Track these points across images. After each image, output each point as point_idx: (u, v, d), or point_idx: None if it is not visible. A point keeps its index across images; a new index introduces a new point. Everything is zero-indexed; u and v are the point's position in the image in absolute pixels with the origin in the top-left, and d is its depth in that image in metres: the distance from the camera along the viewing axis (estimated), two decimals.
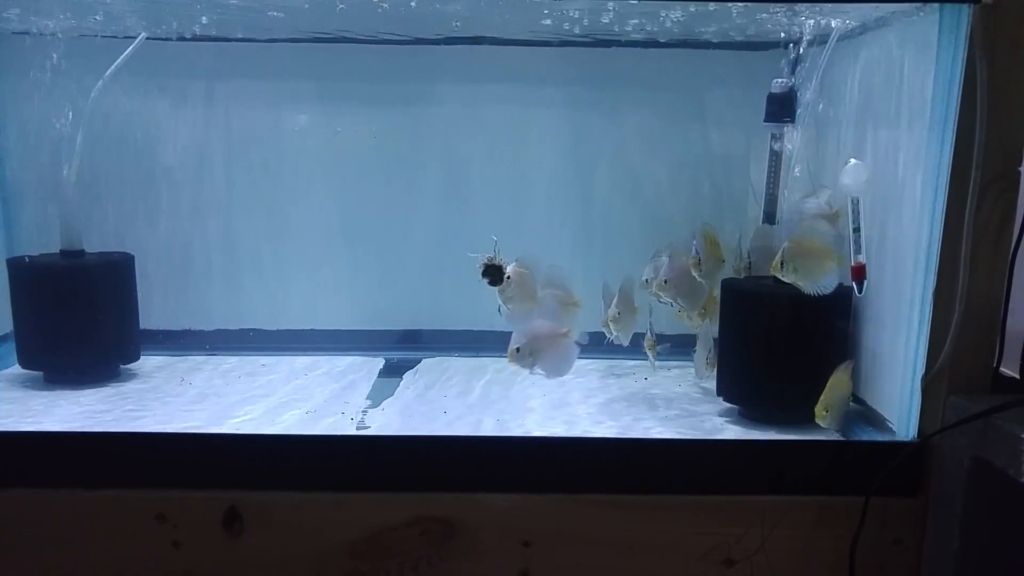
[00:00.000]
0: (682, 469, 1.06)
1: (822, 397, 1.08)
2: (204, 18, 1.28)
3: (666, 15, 1.20)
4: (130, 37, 1.33)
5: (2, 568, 1.05)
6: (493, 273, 1.09)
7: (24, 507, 1.04)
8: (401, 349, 1.53)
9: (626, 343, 1.31)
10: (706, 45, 1.43)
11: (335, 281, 1.55)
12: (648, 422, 1.20)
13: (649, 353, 1.37)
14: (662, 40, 1.40)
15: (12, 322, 1.32)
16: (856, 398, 1.19)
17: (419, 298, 1.55)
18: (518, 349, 1.05)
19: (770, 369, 1.17)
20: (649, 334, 1.36)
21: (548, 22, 1.27)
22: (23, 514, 1.04)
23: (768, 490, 1.05)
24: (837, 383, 1.09)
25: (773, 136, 1.30)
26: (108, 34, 1.36)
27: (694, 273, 1.23)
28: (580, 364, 1.45)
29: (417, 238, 1.53)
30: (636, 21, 1.27)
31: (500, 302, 1.13)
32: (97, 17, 1.27)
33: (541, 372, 1.08)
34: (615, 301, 1.28)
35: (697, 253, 1.22)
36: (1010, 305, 1.01)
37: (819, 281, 1.08)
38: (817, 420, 1.08)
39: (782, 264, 1.08)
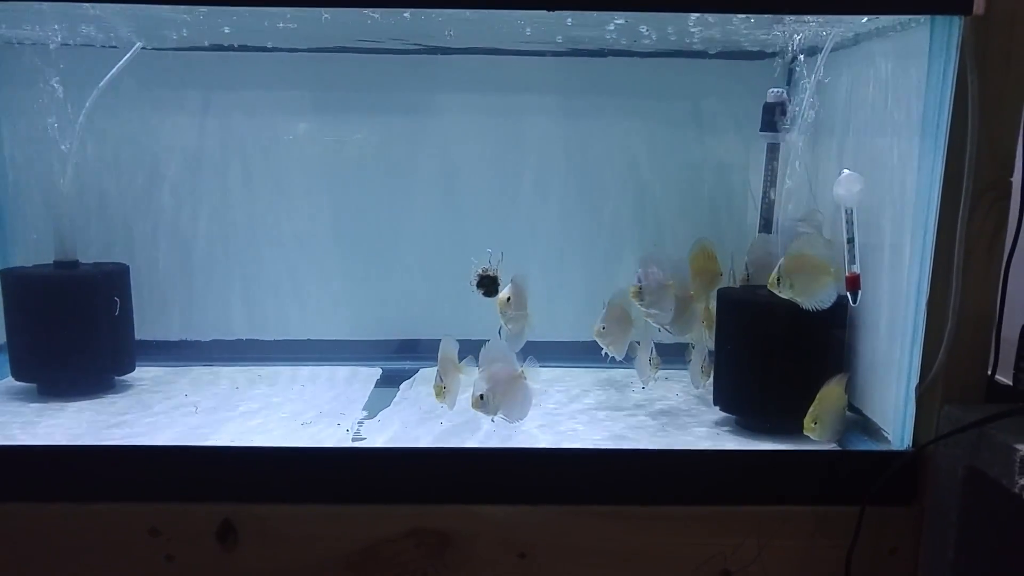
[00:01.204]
0: (678, 480, 1.06)
1: (811, 409, 1.08)
2: (226, 29, 1.28)
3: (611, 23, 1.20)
4: (125, 47, 1.33)
5: None
6: (488, 284, 1.10)
7: (17, 521, 1.04)
8: (398, 359, 1.52)
9: (620, 357, 1.27)
10: (702, 55, 1.43)
11: (332, 291, 1.55)
12: (644, 432, 1.20)
13: (646, 369, 1.29)
14: (657, 50, 1.41)
15: (5, 334, 1.31)
16: (852, 407, 1.20)
17: (416, 308, 1.54)
18: (482, 396, 1.05)
19: (766, 379, 1.17)
20: (650, 351, 1.29)
21: (529, 31, 1.27)
22: (15, 528, 1.04)
23: (764, 500, 1.05)
24: (827, 395, 1.09)
25: (769, 145, 1.31)
26: (104, 44, 1.36)
27: (636, 302, 1.18)
28: (577, 373, 1.47)
29: (414, 248, 1.53)
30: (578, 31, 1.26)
31: (502, 323, 1.15)
32: (91, 28, 1.27)
33: (504, 418, 1.09)
34: (601, 315, 1.23)
35: (639, 281, 1.18)
36: (1004, 313, 1.01)
37: (816, 296, 1.08)
38: (806, 432, 1.08)
39: (779, 280, 1.08)
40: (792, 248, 1.10)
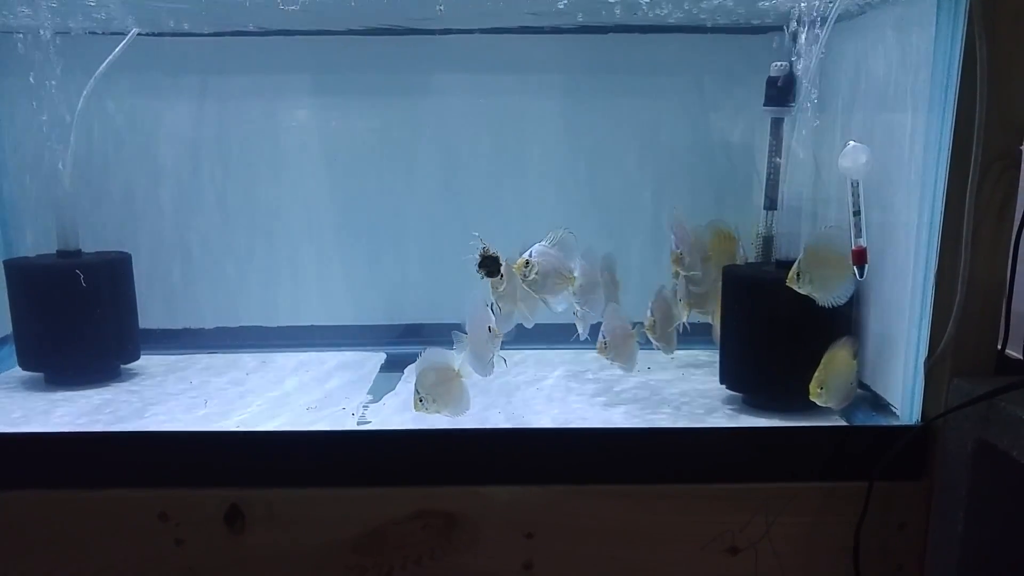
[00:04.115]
0: (685, 457, 1.06)
1: (816, 373, 1.06)
2: (185, 13, 1.27)
3: None
4: (121, 33, 1.32)
5: (6, 569, 1.05)
6: (490, 264, 1.09)
7: (27, 508, 1.04)
8: (403, 344, 1.52)
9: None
10: (704, 29, 1.41)
11: (335, 276, 1.54)
12: (650, 411, 1.19)
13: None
14: (659, 25, 1.39)
15: (11, 324, 1.32)
16: (860, 383, 1.18)
17: (420, 292, 1.54)
18: (421, 400, 1.07)
19: (773, 356, 1.16)
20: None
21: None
22: (26, 515, 1.05)
23: (772, 477, 1.05)
24: (833, 359, 1.07)
25: (773, 119, 1.28)
26: (101, 31, 1.35)
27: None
28: (580, 355, 1.46)
29: (417, 232, 1.52)
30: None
31: (493, 299, 1.14)
32: (94, 10, 1.25)
33: (446, 415, 1.10)
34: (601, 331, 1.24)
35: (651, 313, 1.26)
36: (1014, 286, 1.00)
37: (835, 292, 1.06)
38: (812, 398, 1.06)
39: (798, 276, 1.06)
40: (811, 243, 1.07)
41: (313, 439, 1.08)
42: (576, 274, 1.16)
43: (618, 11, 1.27)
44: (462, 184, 1.51)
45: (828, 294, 1.06)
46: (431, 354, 1.08)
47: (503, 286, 1.13)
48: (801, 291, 1.07)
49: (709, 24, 1.38)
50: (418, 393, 1.06)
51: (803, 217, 1.20)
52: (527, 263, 1.09)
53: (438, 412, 1.08)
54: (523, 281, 1.10)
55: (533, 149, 1.50)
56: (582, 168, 1.51)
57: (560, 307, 1.18)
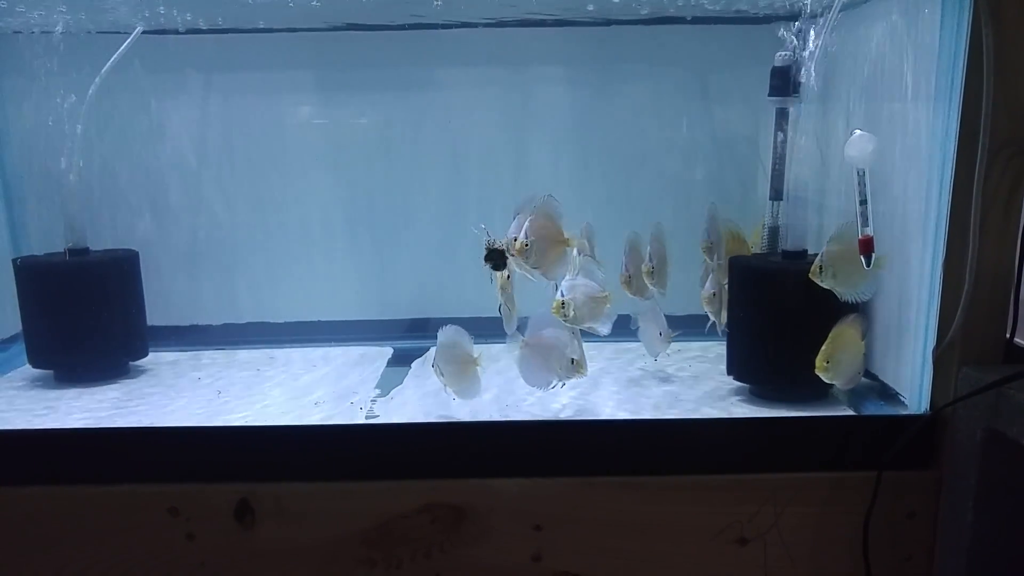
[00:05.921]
0: (693, 449, 1.06)
1: (823, 347, 1.05)
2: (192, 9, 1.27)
3: None
4: (127, 32, 1.32)
5: (18, 565, 1.06)
6: (496, 257, 1.09)
7: (38, 504, 1.05)
8: (409, 338, 1.52)
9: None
10: (708, 20, 1.41)
11: (341, 272, 1.55)
12: (658, 402, 1.19)
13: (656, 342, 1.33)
14: (662, 16, 1.38)
15: (21, 322, 1.33)
16: (868, 373, 1.18)
17: (426, 286, 1.54)
18: (434, 365, 1.12)
19: (781, 346, 1.15)
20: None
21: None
22: (37, 511, 1.05)
23: (780, 467, 1.05)
24: (840, 334, 1.06)
25: (778, 110, 1.28)
26: (106, 29, 1.35)
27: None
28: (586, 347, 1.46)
29: (422, 226, 1.52)
30: None
31: (501, 300, 1.15)
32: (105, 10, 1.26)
33: (452, 395, 1.13)
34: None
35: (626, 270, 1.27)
36: (1022, 274, 0.99)
37: (859, 287, 1.05)
38: (818, 372, 1.05)
39: (820, 269, 1.05)
40: (835, 236, 1.06)
41: (322, 433, 1.09)
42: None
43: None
44: (468, 178, 1.51)
45: (851, 289, 1.05)
46: (457, 333, 1.11)
47: (511, 287, 1.13)
48: (823, 284, 1.06)
49: (714, 15, 1.38)
50: (436, 365, 1.11)
51: (809, 207, 1.20)
52: (563, 303, 1.07)
53: (446, 386, 1.10)
54: (565, 320, 1.08)
55: (539, 142, 1.50)
56: (587, 160, 1.50)
57: (605, 330, 1.17)
